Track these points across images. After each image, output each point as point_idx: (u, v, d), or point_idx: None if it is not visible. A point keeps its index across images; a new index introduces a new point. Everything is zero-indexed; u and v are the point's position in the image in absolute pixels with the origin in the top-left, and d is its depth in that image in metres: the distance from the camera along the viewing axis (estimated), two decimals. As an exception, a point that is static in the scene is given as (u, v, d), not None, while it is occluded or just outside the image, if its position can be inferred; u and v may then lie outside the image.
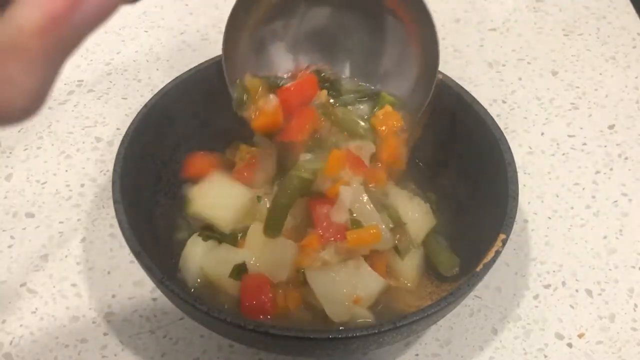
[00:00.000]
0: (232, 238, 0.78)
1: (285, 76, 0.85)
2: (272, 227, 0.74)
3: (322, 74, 0.84)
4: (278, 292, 0.74)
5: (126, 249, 0.72)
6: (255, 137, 0.89)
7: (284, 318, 0.74)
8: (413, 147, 0.87)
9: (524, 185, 0.97)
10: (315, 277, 0.72)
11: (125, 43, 1.19)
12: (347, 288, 0.72)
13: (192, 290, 0.77)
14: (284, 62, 0.86)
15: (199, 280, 0.77)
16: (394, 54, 0.85)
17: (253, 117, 0.81)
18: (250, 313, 0.72)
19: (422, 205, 0.83)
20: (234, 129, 0.92)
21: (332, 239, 0.73)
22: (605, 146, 1.04)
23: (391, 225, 0.77)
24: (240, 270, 0.74)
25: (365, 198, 0.75)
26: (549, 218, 0.94)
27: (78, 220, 0.92)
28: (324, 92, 0.83)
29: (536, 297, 0.85)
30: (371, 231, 0.73)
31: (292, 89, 0.80)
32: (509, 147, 0.79)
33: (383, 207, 0.78)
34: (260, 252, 0.75)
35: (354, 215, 0.75)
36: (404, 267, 0.77)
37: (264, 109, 0.78)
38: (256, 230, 0.76)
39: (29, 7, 0.34)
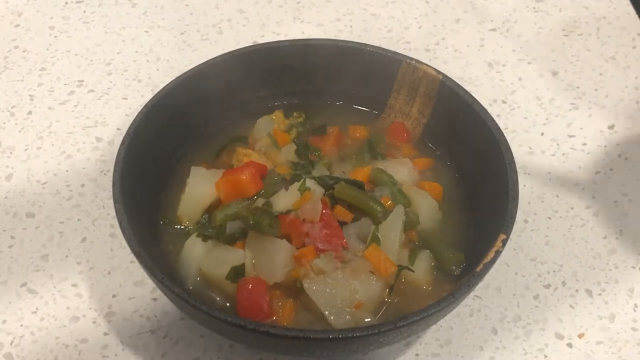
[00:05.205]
0: (230, 238, 0.78)
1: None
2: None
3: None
4: (274, 298, 0.74)
5: (126, 249, 0.72)
6: (250, 140, 0.90)
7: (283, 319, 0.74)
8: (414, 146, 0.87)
9: (524, 186, 0.97)
10: (313, 288, 0.72)
11: (125, 43, 1.19)
12: (346, 294, 0.72)
13: (191, 289, 0.77)
14: None
15: (198, 278, 0.77)
16: None
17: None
18: (247, 314, 0.72)
19: (433, 201, 0.83)
20: (232, 130, 0.92)
21: (329, 249, 0.74)
22: (605, 146, 1.04)
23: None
24: (237, 273, 0.75)
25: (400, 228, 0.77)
26: (549, 218, 0.94)
27: (78, 220, 0.92)
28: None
29: (536, 297, 0.85)
30: (387, 263, 0.74)
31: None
32: (509, 147, 0.79)
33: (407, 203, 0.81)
34: (257, 253, 0.75)
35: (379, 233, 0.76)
36: (416, 275, 0.76)
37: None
38: (254, 233, 0.76)
39: None
